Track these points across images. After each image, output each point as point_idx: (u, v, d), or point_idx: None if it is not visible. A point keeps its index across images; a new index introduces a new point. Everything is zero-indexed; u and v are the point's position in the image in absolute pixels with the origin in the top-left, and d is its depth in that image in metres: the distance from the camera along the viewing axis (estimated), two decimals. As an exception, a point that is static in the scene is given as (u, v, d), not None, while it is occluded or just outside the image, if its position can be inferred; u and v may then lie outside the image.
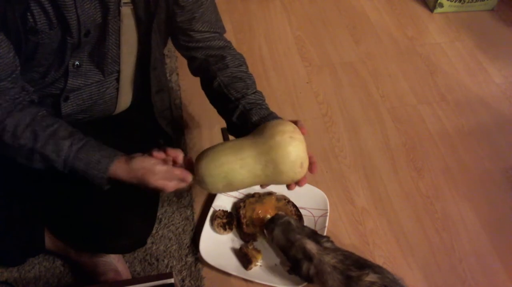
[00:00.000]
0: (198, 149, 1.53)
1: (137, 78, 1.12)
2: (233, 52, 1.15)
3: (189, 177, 0.93)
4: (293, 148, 0.89)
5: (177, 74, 1.78)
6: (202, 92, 1.18)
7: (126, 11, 0.96)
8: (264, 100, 1.10)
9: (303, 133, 0.93)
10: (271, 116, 1.05)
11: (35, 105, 0.95)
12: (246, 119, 1.04)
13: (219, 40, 1.13)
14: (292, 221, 1.21)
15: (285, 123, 0.93)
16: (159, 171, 0.91)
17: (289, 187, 0.98)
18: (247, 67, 1.15)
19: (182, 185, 0.93)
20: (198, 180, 0.94)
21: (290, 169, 0.90)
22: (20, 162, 0.92)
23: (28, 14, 0.84)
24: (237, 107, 1.06)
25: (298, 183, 0.96)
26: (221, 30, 1.14)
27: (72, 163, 0.90)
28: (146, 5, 0.97)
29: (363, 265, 1.10)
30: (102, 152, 0.91)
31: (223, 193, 1.38)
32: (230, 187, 0.95)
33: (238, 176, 0.92)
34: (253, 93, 1.09)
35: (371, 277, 1.07)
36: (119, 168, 0.91)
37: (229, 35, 1.20)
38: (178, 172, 0.92)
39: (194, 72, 1.19)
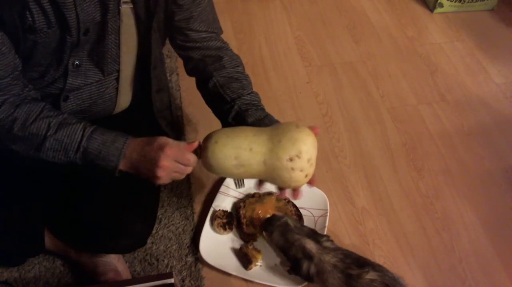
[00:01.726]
0: (198, 149, 1.53)
1: (136, 78, 1.12)
2: (230, 53, 1.15)
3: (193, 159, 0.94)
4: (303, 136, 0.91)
5: (177, 74, 1.78)
6: (202, 93, 1.18)
7: (126, 10, 0.96)
8: (259, 101, 1.10)
9: (315, 132, 0.95)
10: (267, 119, 1.05)
11: (40, 101, 0.96)
12: (242, 120, 1.04)
13: (216, 40, 1.13)
14: (290, 222, 1.21)
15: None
16: (174, 143, 0.92)
17: (281, 190, 0.98)
18: (243, 68, 1.16)
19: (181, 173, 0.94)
20: (206, 162, 0.93)
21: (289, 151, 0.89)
22: (27, 154, 0.92)
23: (27, 12, 0.84)
24: (232, 107, 1.07)
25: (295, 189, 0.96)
26: (218, 30, 1.15)
27: (87, 143, 0.91)
28: (146, 4, 0.97)
29: (363, 263, 1.11)
30: (116, 132, 0.93)
31: (223, 191, 1.38)
32: (238, 151, 0.91)
33: (246, 147, 0.90)
34: (249, 93, 1.09)
35: (371, 275, 1.07)
36: (134, 143, 0.92)
37: (229, 35, 1.20)
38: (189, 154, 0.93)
39: (190, 72, 1.19)
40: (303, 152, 0.89)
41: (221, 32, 1.16)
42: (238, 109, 1.06)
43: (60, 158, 0.92)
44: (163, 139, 0.92)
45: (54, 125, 0.90)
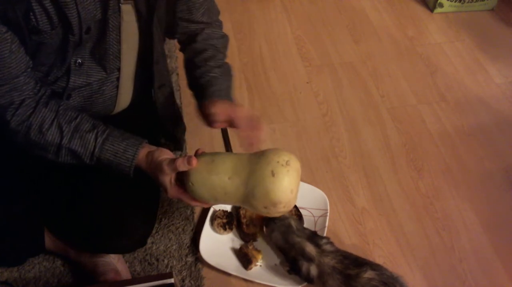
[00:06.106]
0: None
1: (138, 75, 1.12)
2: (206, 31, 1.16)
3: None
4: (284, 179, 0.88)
5: (177, 74, 1.78)
6: (202, 92, 1.17)
7: (126, 8, 0.96)
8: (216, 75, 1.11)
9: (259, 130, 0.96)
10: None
11: (55, 97, 0.97)
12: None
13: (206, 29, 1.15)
14: (293, 223, 1.21)
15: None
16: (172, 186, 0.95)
17: None
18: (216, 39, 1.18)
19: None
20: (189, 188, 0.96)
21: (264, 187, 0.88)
22: (48, 159, 0.96)
23: (31, 13, 0.85)
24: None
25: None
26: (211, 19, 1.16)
27: (99, 154, 0.94)
28: (147, 0, 0.98)
29: (361, 263, 1.11)
30: (127, 141, 0.96)
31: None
32: (214, 194, 0.93)
33: (220, 182, 0.91)
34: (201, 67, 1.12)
35: (369, 274, 1.07)
36: (141, 158, 0.96)
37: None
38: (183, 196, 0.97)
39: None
40: (277, 203, 0.88)
41: (214, 19, 1.17)
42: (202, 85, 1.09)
43: (77, 163, 0.97)
44: (163, 177, 0.94)
45: (67, 133, 0.94)
